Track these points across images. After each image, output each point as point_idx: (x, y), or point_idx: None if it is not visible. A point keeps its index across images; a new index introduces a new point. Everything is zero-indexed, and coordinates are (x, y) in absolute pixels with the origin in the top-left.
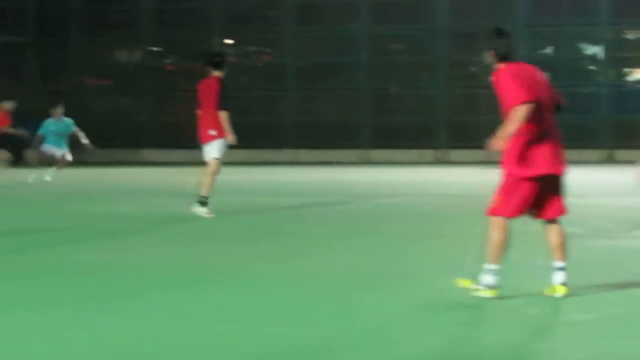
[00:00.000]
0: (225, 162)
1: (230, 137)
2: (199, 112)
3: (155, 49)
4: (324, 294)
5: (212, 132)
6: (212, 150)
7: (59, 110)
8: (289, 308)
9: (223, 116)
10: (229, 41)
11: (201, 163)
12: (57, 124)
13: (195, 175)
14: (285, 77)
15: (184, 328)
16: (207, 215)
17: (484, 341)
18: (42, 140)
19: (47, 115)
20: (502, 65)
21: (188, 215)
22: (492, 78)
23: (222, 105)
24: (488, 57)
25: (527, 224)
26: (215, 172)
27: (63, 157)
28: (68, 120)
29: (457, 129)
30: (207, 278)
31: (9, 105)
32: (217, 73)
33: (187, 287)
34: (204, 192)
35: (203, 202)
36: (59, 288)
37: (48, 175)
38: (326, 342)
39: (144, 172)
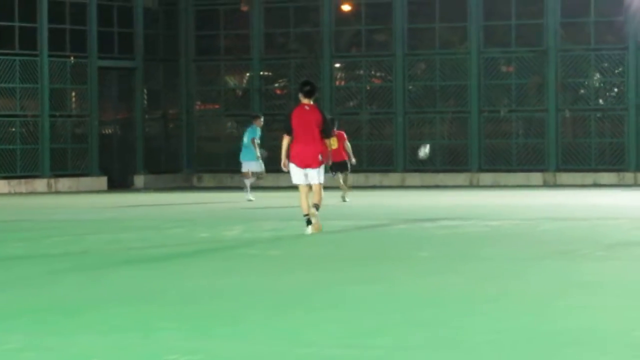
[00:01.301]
0: (329, 186)
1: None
2: (296, 138)
3: (264, 73)
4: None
5: (321, 158)
6: (320, 174)
7: (262, 119)
8: (392, 330)
9: (330, 142)
10: (338, 65)
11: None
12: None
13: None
14: (395, 101)
15: (283, 352)
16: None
17: None
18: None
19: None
20: None
21: (294, 239)
22: None
23: (330, 132)
24: None
25: None
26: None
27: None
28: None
29: (566, 152)
30: (309, 301)
31: None
32: (306, 100)
33: (290, 311)
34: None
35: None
36: (163, 313)
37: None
38: None
39: (253, 196)
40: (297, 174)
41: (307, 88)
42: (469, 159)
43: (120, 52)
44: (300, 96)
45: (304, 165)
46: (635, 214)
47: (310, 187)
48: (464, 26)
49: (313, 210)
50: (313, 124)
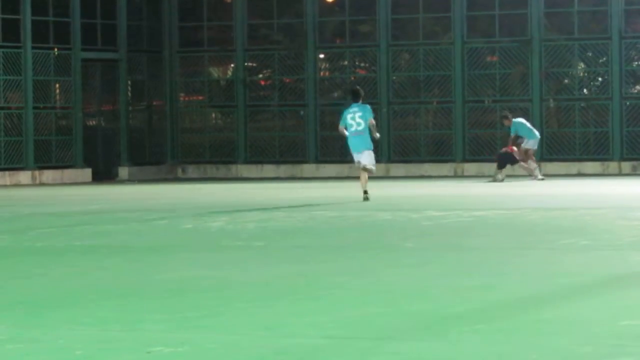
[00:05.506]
0: (314, 177)
1: None
2: None
3: (248, 64)
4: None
5: None
6: None
7: None
8: (376, 322)
9: None
10: (322, 56)
11: (294, 178)
12: None
13: (290, 190)
14: (379, 91)
15: (267, 343)
16: None
17: None
18: None
19: None
20: None
21: (280, 230)
22: None
23: None
24: None
25: None
26: None
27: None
28: None
29: (551, 142)
30: (294, 292)
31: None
32: None
33: (274, 302)
34: None
35: None
36: (148, 305)
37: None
38: None
39: (236, 188)
40: None
41: None
42: (454, 149)
43: (104, 44)
44: None
45: None
46: (620, 204)
47: None
48: (447, 16)
49: None
50: None
